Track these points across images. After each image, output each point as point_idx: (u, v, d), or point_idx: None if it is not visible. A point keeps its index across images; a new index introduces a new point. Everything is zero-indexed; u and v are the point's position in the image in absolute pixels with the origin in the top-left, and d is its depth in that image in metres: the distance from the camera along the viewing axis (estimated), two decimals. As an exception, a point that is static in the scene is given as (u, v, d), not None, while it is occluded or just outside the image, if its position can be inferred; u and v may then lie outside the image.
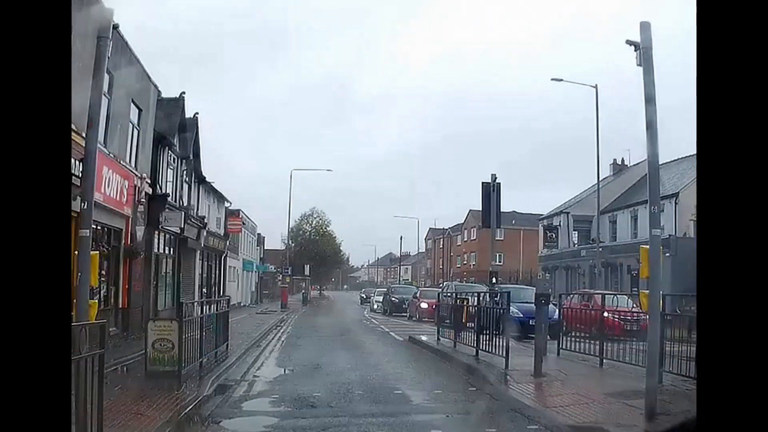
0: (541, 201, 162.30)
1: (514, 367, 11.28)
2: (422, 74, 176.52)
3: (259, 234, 64.13)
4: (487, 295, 16.59)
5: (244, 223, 47.67)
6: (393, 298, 39.06)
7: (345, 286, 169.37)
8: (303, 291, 67.94)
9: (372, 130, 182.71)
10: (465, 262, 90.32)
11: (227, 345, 15.83)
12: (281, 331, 24.34)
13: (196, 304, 15.57)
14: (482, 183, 18.06)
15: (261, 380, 11.33)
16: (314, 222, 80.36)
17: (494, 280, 18.81)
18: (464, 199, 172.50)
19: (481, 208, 18.30)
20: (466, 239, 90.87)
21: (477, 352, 13.53)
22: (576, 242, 44.41)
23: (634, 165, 47.01)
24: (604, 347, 12.15)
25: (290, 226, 78.76)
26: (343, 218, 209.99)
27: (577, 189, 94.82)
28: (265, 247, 71.42)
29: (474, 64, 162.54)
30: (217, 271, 38.27)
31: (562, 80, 32.89)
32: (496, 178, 17.92)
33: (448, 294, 27.39)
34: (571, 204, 46.41)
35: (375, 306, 45.29)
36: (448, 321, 18.66)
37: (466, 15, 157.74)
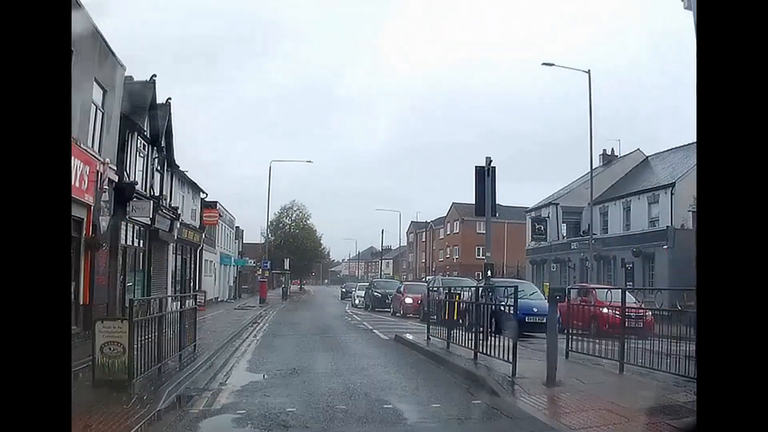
0: (524, 194, 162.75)
1: (522, 373, 9.72)
2: (404, 71, 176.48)
3: (237, 227, 62.30)
4: (481, 289, 15.05)
5: (221, 215, 45.90)
6: (375, 293, 37.51)
7: (326, 281, 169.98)
8: (283, 285, 66.24)
9: (354, 127, 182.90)
10: (448, 256, 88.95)
11: (195, 346, 14.37)
12: (257, 328, 22.73)
13: (153, 300, 13.95)
14: (476, 167, 16.51)
15: (228, 390, 9.68)
16: (294, 215, 78.74)
17: (488, 273, 17.21)
18: (447, 193, 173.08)
19: (474, 195, 16.70)
20: (448, 232, 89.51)
21: (475, 354, 12.00)
22: (565, 235, 43.11)
23: (624, 155, 45.79)
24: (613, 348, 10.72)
25: (270, 220, 77.27)
26: (323, 213, 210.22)
27: (563, 181, 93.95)
28: (244, 241, 69.66)
29: (456, 61, 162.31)
30: (193, 265, 36.55)
31: (553, 65, 31.52)
32: (491, 161, 16.35)
33: (435, 288, 26.01)
34: (560, 195, 45.05)
35: (356, 301, 43.77)
36: (435, 317, 17.19)
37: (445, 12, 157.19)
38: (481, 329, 12.43)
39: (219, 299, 47.30)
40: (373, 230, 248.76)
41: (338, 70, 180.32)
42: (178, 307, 13.75)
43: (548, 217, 44.36)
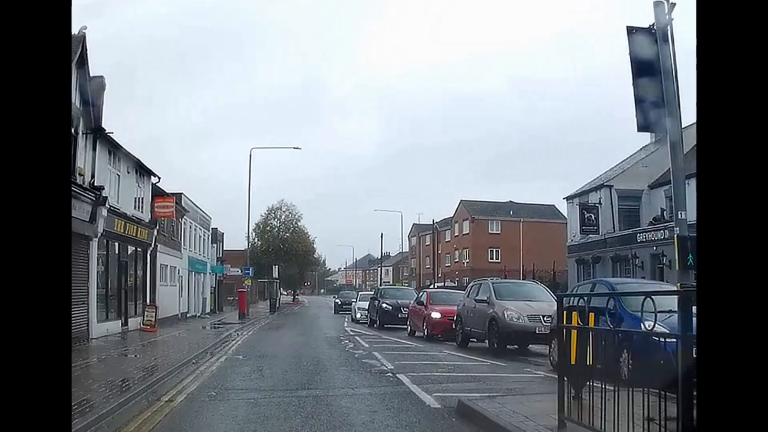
0: (533, 193, 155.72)
1: None
2: (397, 70, 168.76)
3: (216, 230, 53.22)
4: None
5: (186, 210, 36.75)
6: (385, 305, 28.24)
7: (321, 290, 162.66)
8: (271, 297, 56.99)
9: (347, 130, 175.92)
10: (456, 261, 79.61)
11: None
12: (200, 369, 13.55)
13: None
14: (627, 27, 7.67)
15: None
16: (283, 216, 69.25)
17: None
18: (449, 194, 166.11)
19: (633, 91, 7.70)
20: (456, 234, 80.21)
21: None
22: (619, 225, 33.98)
23: (686, 127, 36.70)
24: None
25: (256, 222, 68.05)
26: (317, 220, 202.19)
27: (576, 177, 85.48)
28: (230, 248, 60.43)
29: (453, 59, 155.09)
30: (141, 272, 27.39)
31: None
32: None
33: (484, 300, 17.20)
34: (611, 176, 35.72)
35: (358, 315, 34.56)
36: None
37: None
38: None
39: (189, 315, 38.17)
40: (370, 236, 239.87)
41: (328, 70, 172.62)
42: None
43: (600, 203, 34.97)
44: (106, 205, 20.72)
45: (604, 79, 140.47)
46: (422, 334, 22.38)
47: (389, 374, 12.27)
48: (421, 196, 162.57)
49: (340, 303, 50.58)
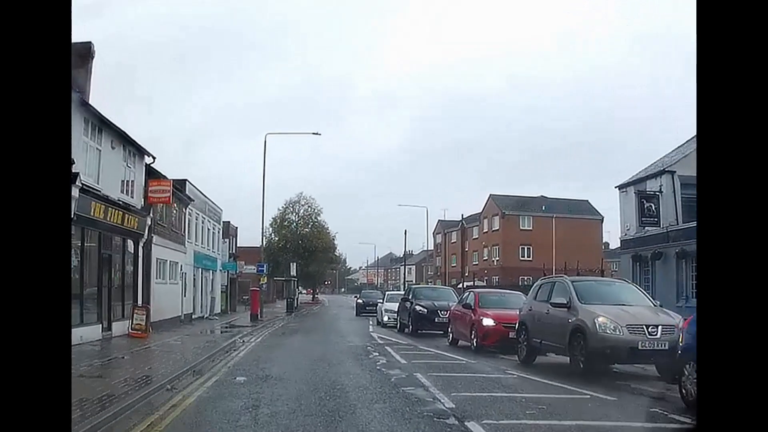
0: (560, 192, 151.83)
1: None
2: (419, 69, 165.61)
3: (228, 224, 49.22)
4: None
5: (191, 199, 32.59)
6: (420, 307, 23.78)
7: (342, 290, 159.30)
8: (288, 296, 52.80)
9: (370, 128, 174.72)
10: (485, 258, 74.89)
11: None
12: (171, 402, 9.26)
13: None
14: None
15: None
16: (302, 210, 64.89)
17: None
18: (474, 192, 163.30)
19: None
20: (485, 230, 75.53)
21: None
22: (682, 216, 29.25)
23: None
24: None
25: (272, 216, 63.93)
26: (338, 217, 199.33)
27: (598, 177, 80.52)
28: (240, 244, 56.41)
29: (472, 59, 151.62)
30: (132, 267, 23.27)
31: None
32: None
33: (565, 304, 12.82)
34: (673, 161, 30.92)
35: (386, 318, 30.07)
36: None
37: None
38: None
39: (195, 316, 34.09)
40: (391, 235, 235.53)
41: (353, 68, 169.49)
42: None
43: (661, 191, 30.19)
44: (77, 183, 16.54)
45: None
46: (470, 344, 17.99)
47: (452, 421, 7.85)
48: (444, 194, 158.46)
49: (362, 303, 44.91)
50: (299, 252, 60.54)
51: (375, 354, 16.68)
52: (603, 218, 74.68)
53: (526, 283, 45.54)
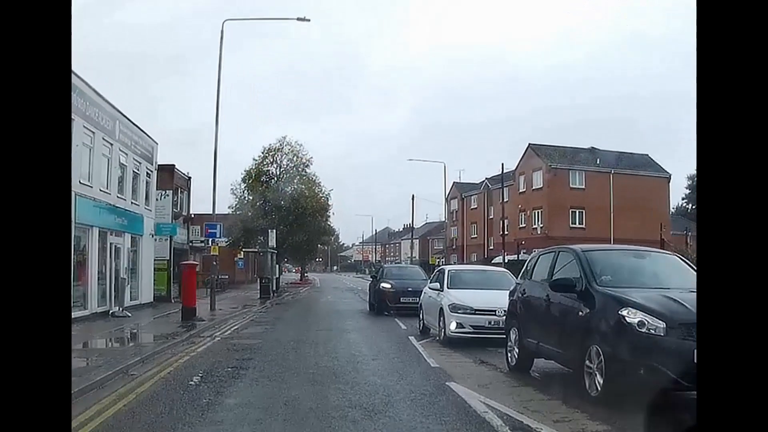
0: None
1: None
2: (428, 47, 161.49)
3: (172, 168, 33.13)
4: None
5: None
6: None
7: (335, 268, 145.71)
8: (264, 276, 36.52)
9: (376, 103, 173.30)
10: (522, 226, 58.40)
11: None
12: None
13: None
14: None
15: None
16: (285, 161, 48.21)
17: None
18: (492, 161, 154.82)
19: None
20: (523, 189, 59.12)
21: None
22: None
23: None
24: None
25: (245, 169, 47.61)
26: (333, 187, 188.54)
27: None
28: (198, 209, 39.98)
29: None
30: None
31: None
32: None
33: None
34: None
35: (454, 327, 13.54)
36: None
37: None
38: None
39: (86, 312, 18.00)
40: (388, 210, 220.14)
41: (359, 44, 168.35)
42: None
43: None
44: None
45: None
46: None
47: None
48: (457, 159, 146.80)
49: (393, 292, 23.09)
50: (281, 215, 44.12)
51: None
52: (670, 176, 58.83)
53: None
